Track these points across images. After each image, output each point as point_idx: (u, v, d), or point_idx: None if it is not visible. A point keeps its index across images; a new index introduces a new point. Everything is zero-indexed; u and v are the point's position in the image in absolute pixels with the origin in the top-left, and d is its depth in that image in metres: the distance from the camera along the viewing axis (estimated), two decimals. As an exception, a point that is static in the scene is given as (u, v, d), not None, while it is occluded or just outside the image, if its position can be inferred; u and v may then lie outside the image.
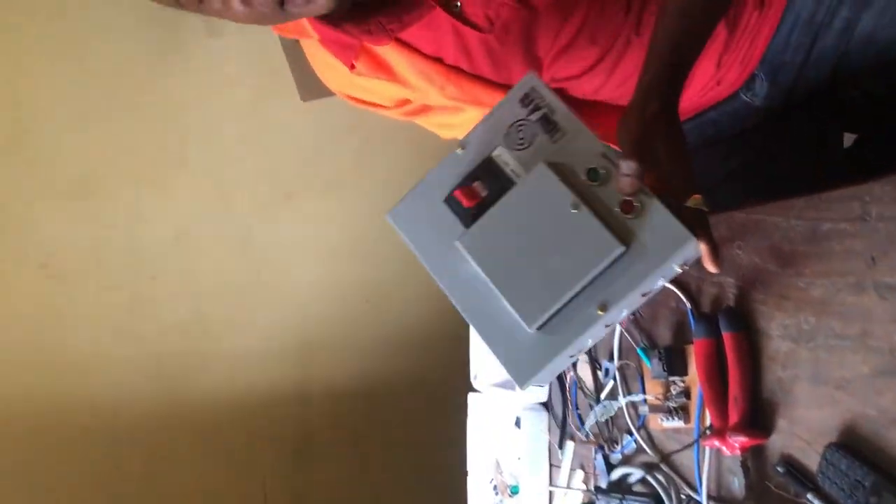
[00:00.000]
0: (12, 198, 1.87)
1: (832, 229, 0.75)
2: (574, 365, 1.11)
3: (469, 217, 0.74)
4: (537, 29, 0.96)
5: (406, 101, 1.11)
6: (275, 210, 2.11)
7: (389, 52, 0.99)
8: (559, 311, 0.70)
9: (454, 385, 1.39)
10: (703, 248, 0.69)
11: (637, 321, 1.01)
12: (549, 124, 0.72)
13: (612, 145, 1.12)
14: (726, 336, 0.85)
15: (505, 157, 0.74)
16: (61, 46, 1.86)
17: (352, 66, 1.00)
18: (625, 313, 0.73)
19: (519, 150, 0.73)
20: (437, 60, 1.00)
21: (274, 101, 2.08)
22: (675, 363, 0.93)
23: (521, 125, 0.73)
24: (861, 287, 0.72)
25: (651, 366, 0.95)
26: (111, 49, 1.88)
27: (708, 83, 1.06)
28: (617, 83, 1.04)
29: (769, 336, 0.83)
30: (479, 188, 0.73)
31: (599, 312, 0.69)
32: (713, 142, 1.13)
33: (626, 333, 1.01)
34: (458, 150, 0.75)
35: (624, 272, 0.69)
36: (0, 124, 1.84)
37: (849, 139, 1.20)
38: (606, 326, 0.73)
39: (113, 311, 1.98)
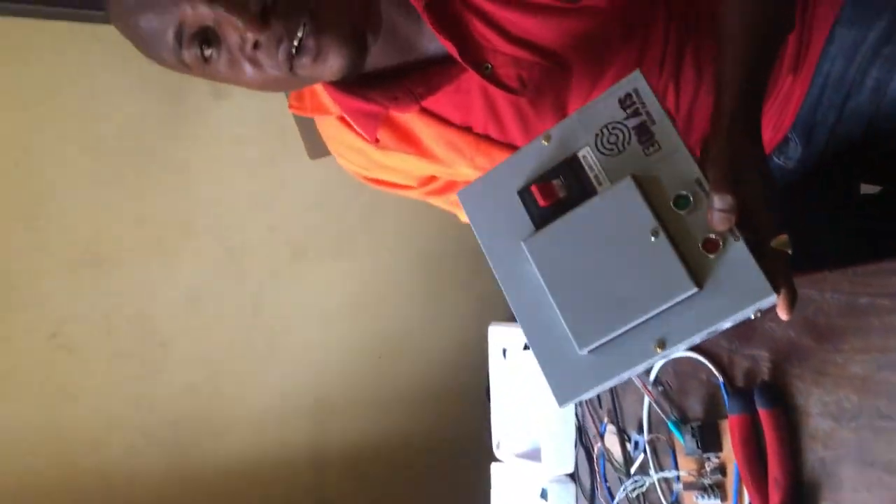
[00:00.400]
0: (22, 268, 1.85)
1: (870, 304, 0.73)
2: (602, 435, 1.08)
3: (541, 218, 0.69)
4: (569, 88, 0.94)
5: (431, 179, 1.08)
6: (285, 270, 2.09)
7: (416, 124, 0.96)
8: (614, 339, 0.66)
9: (474, 447, 1.36)
10: (781, 296, 0.63)
11: (666, 392, 0.98)
12: (645, 134, 0.66)
13: None
14: (762, 413, 0.82)
15: (591, 158, 0.68)
16: (69, 113, 1.86)
17: (375, 139, 0.97)
18: (682, 348, 0.68)
19: (608, 154, 0.68)
20: (466, 130, 0.97)
21: (282, 162, 2.07)
22: (708, 439, 0.90)
23: (615, 128, 0.68)
24: (904, 365, 0.70)
25: (684, 441, 0.92)
26: (119, 114, 1.88)
27: None
28: None
29: (808, 414, 0.80)
30: (558, 187, 0.68)
31: (657, 350, 0.65)
32: None
33: (654, 405, 0.98)
34: (543, 142, 0.70)
35: (692, 313, 0.64)
36: (11, 194, 1.83)
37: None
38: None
39: (124, 379, 1.95)
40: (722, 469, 0.89)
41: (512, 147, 0.99)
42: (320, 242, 2.07)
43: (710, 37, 0.93)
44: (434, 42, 0.88)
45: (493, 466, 1.30)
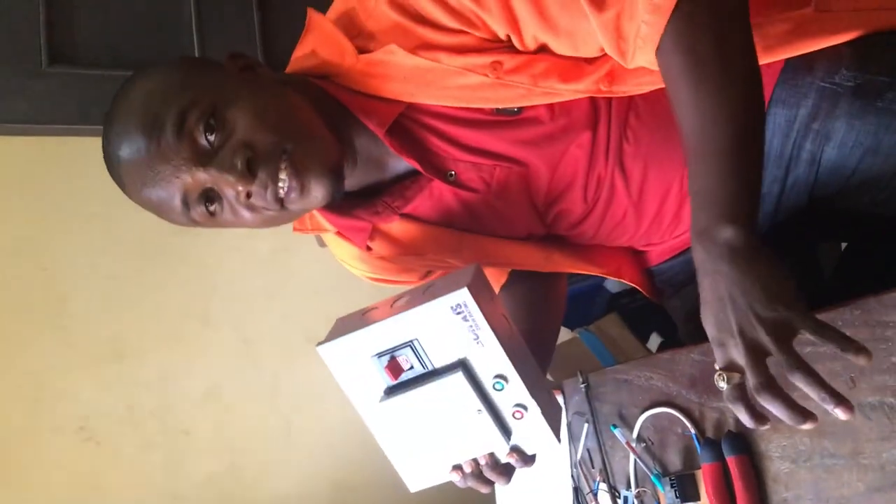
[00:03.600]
0: (48, 365, 1.95)
1: (813, 352, 0.80)
2: (595, 494, 1.14)
3: (391, 388, 0.86)
4: (532, 180, 1.03)
5: (430, 273, 1.20)
6: (300, 356, 2.17)
7: (403, 229, 1.08)
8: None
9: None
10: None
11: (648, 448, 1.05)
12: (472, 333, 0.82)
13: (624, 280, 1.19)
14: (730, 460, 0.89)
15: (429, 344, 0.84)
16: (88, 215, 1.99)
17: (367, 248, 1.10)
18: None
19: (442, 343, 0.83)
20: (448, 227, 1.08)
21: (293, 251, 2.19)
22: (687, 489, 0.96)
23: (448, 324, 0.82)
24: (846, 407, 0.76)
25: (665, 492, 0.98)
26: (138, 216, 2.00)
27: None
28: (610, 228, 1.11)
29: (770, 458, 0.86)
30: (403, 362, 0.84)
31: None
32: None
33: (639, 461, 1.05)
34: (391, 324, 0.83)
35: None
36: (38, 296, 1.95)
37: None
38: None
39: (150, 470, 2.02)
40: (702, 517, 0.95)
41: (494, 236, 1.10)
42: (332, 324, 2.15)
43: (646, 128, 1.00)
44: (402, 160, 1.00)
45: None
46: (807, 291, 0.91)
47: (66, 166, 1.97)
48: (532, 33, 0.89)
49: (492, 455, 0.89)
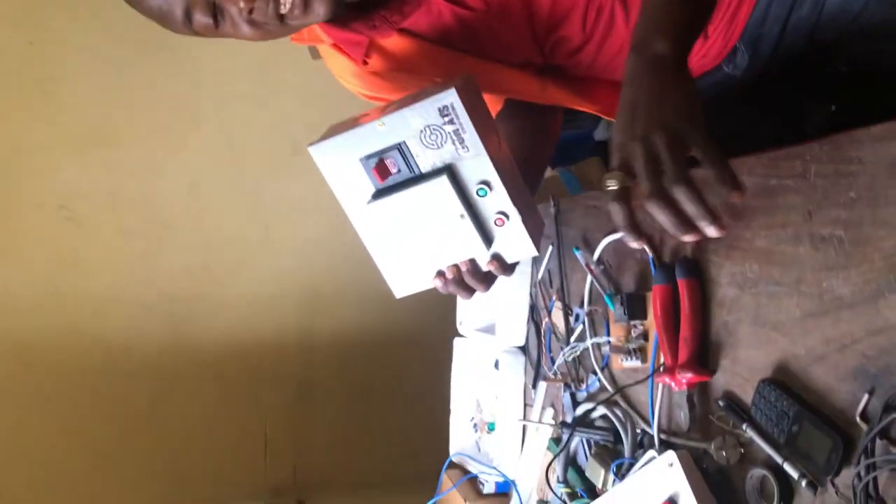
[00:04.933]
0: (33, 144, 1.96)
1: (778, 185, 0.82)
2: (549, 311, 1.19)
3: (378, 190, 0.88)
4: (532, 6, 1.01)
5: None
6: (283, 166, 2.18)
7: (401, 45, 1.07)
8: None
9: (443, 332, 1.47)
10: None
11: (606, 271, 1.09)
12: (458, 137, 0.82)
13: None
14: (681, 283, 0.92)
15: (416, 147, 0.85)
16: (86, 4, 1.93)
17: (364, 62, 1.09)
18: None
19: (429, 147, 0.84)
20: (446, 46, 1.07)
21: (286, 61, 2.15)
22: (635, 308, 1.00)
23: (435, 128, 0.83)
24: (798, 238, 0.79)
25: (614, 310, 1.02)
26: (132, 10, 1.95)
27: (694, 55, 1.12)
28: (607, 60, 1.10)
29: (719, 283, 0.90)
30: (391, 165, 0.86)
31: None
32: None
33: (595, 282, 1.08)
34: (379, 126, 0.84)
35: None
36: (25, 69, 1.92)
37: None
38: None
39: (127, 255, 2.08)
40: (645, 335, 1.00)
41: (491, 60, 1.09)
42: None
43: None
44: None
45: (456, 341, 1.42)
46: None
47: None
48: None
49: (473, 262, 0.92)
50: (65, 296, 2.00)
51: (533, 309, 1.27)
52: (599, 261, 1.09)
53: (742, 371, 0.86)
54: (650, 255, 0.99)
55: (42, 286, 1.98)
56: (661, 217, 0.68)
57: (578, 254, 1.11)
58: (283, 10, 0.91)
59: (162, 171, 2.10)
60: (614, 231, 1.07)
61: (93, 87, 1.98)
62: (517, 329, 1.27)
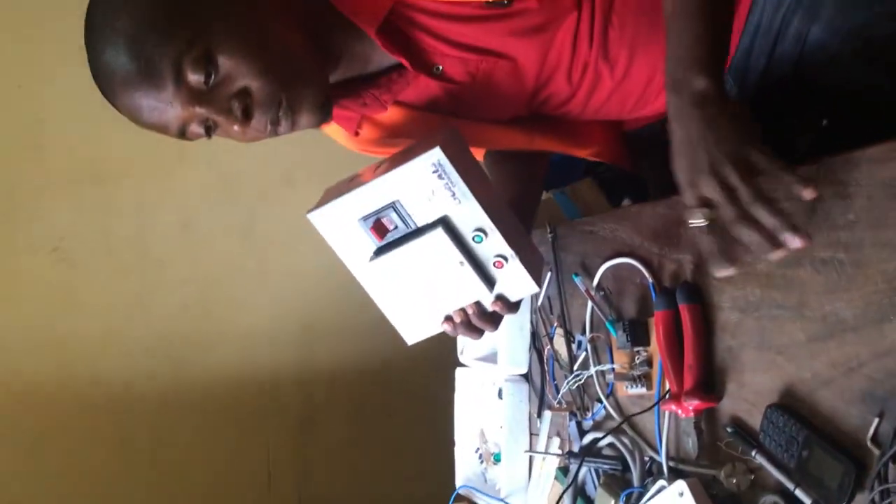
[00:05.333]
0: (25, 184, 1.95)
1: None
2: (551, 338, 1.19)
3: (378, 248, 0.90)
4: (518, 71, 1.03)
5: None
6: (276, 196, 2.18)
7: (390, 115, 1.09)
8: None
9: (444, 362, 1.47)
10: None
11: (607, 297, 1.08)
12: (449, 190, 0.86)
13: (605, 161, 1.20)
14: (682, 308, 0.92)
15: (410, 204, 0.87)
16: (71, 35, 1.92)
17: (355, 133, 1.12)
18: None
19: (422, 202, 0.87)
20: (434, 112, 1.09)
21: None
22: (638, 334, 1.00)
23: (425, 184, 0.85)
24: (798, 261, 0.79)
25: (616, 336, 1.02)
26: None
27: None
28: (597, 107, 1.12)
29: (721, 308, 0.90)
30: (388, 222, 0.89)
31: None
32: None
33: (597, 308, 1.08)
34: (373, 186, 0.87)
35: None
36: (14, 114, 1.92)
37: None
38: None
39: (122, 294, 2.06)
40: (649, 361, 1.00)
41: (478, 121, 1.11)
42: (311, 169, 2.13)
43: (631, 12, 1.01)
44: (388, 55, 1.00)
45: (458, 371, 1.41)
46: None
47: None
48: None
49: (478, 304, 0.93)
50: (61, 337, 1.98)
51: (534, 336, 1.27)
52: (599, 287, 1.09)
53: (749, 396, 0.86)
54: (650, 280, 0.99)
55: (37, 326, 1.96)
56: (752, 237, 0.69)
57: (578, 280, 1.11)
58: (273, 128, 0.94)
59: (154, 208, 2.09)
60: (613, 256, 1.07)
61: (82, 128, 1.97)
62: (519, 357, 1.27)
